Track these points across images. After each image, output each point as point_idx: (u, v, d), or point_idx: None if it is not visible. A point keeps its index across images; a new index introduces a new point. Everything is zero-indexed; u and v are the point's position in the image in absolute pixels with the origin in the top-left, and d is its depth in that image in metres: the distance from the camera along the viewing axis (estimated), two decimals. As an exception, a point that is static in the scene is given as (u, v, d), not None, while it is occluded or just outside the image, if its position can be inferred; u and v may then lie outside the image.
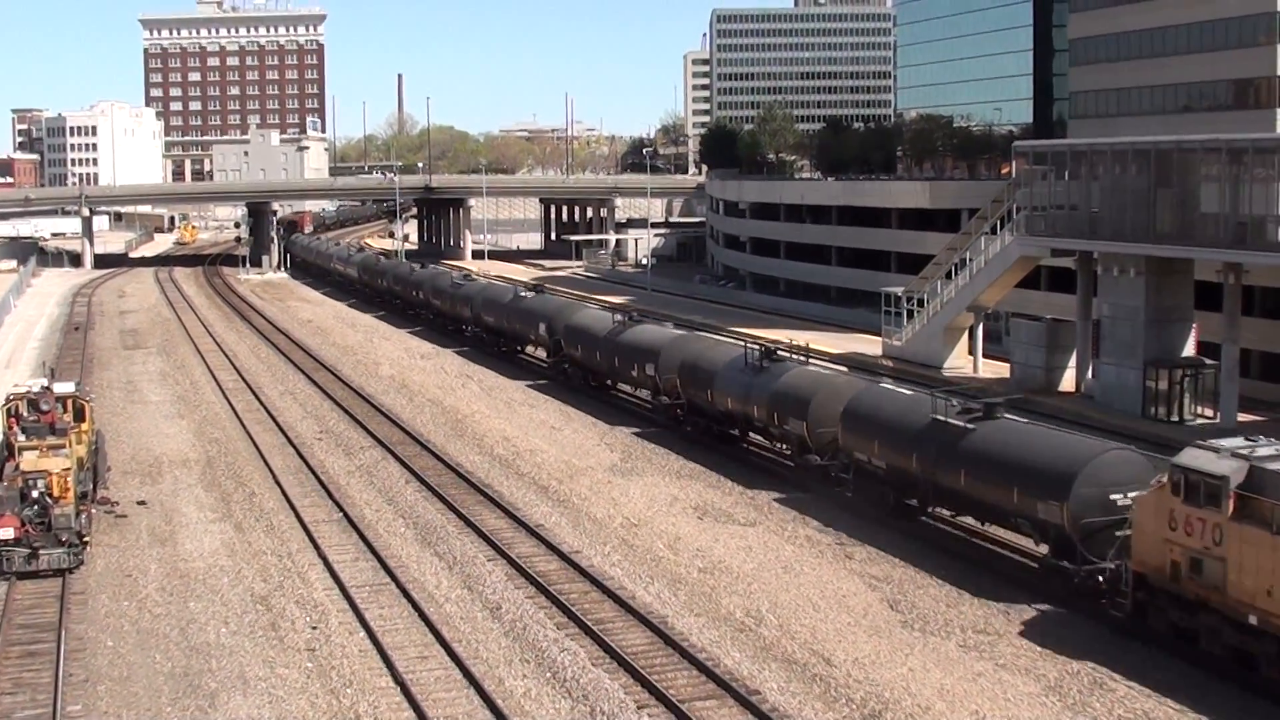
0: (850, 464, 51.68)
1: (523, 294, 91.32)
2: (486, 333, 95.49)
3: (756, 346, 61.51)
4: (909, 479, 48.18)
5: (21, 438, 47.46)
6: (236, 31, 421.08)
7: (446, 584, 43.77)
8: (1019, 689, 34.55)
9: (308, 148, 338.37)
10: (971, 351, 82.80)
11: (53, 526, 44.03)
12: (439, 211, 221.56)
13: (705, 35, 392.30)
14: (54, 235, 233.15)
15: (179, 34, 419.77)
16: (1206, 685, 34.71)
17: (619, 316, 75.66)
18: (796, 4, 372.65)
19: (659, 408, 68.27)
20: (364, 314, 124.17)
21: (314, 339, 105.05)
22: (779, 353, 60.14)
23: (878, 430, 49.83)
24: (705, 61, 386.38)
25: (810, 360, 59.95)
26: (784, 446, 58.89)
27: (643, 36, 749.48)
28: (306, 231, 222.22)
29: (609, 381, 76.80)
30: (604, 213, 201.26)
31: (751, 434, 62.23)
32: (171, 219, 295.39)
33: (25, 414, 49.59)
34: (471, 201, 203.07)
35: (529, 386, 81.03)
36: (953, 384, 56.24)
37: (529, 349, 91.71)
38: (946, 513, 48.94)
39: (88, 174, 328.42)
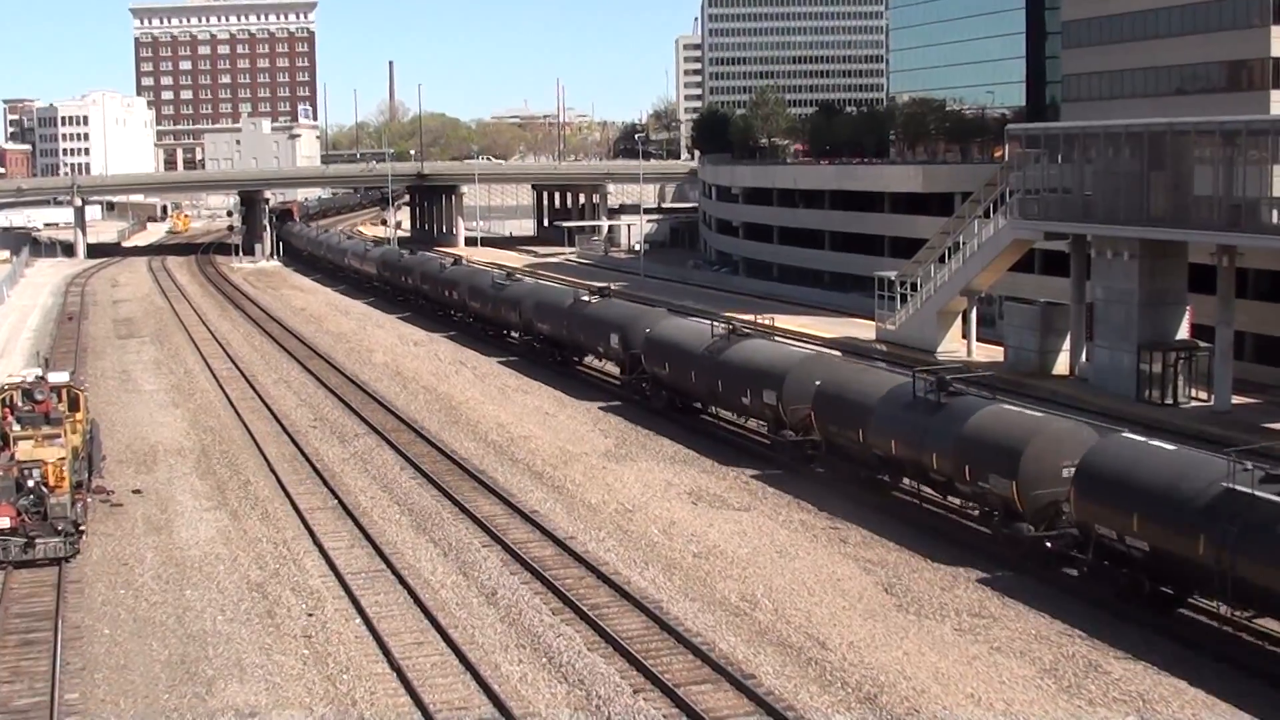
0: (1089, 541, 39.96)
1: (586, 298, 79.91)
2: (540, 342, 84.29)
3: (928, 374, 49.28)
4: (1186, 567, 36.85)
5: (16, 427, 47.37)
6: (227, 20, 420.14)
7: (442, 570, 43.80)
8: (1014, 672, 34.62)
9: (299, 136, 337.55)
10: (965, 335, 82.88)
11: (48, 516, 44.01)
12: (431, 198, 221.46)
13: (697, 19, 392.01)
14: (46, 225, 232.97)
15: (170, 23, 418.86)
16: (1202, 666, 34.79)
17: (720, 328, 64.47)
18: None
19: (780, 444, 56.75)
20: (357, 301, 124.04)
21: (307, 327, 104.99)
22: (955, 384, 48.70)
23: (1137, 499, 37.70)
24: (697, 46, 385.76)
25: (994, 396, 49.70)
26: (973, 507, 47.16)
27: (634, 21, 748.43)
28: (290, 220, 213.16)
29: (708, 408, 66.45)
30: (596, 199, 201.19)
31: (925, 485, 49.67)
32: (164, 208, 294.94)
33: (20, 404, 49.50)
34: (464, 188, 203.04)
35: (523, 374, 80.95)
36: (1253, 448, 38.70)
37: (591, 359, 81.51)
38: (1224, 609, 36.98)
39: (80, 164, 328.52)
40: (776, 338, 60.64)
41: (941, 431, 46.01)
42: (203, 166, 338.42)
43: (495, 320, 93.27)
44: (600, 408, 69.90)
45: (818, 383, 54.31)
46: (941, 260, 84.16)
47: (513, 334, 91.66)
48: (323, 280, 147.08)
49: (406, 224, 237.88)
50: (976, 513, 46.64)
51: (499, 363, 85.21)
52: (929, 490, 49.13)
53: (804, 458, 55.29)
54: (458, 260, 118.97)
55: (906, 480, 50.34)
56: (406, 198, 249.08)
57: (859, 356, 72.81)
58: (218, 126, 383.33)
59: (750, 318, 73.61)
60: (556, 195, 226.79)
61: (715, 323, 66.79)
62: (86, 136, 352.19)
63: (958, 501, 48.40)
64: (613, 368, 76.65)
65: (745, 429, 63.25)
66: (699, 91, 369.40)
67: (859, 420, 50.54)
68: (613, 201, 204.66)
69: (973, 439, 44.51)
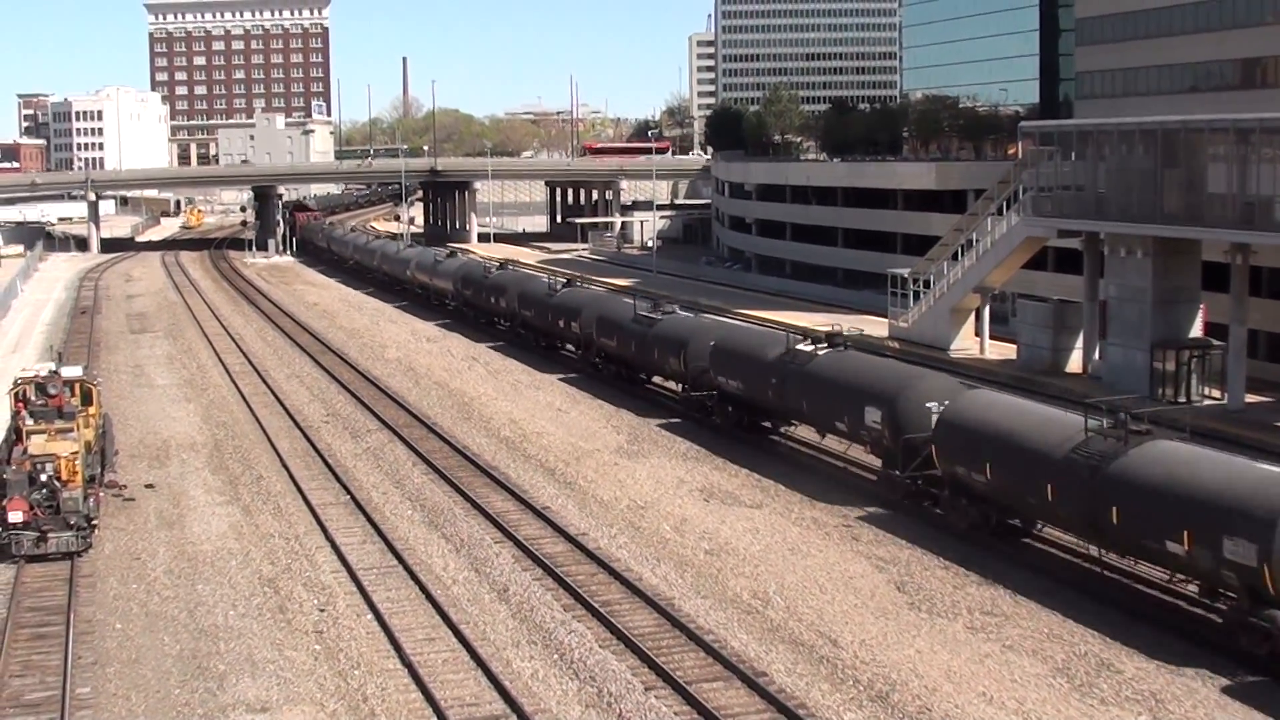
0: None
1: (651, 312, 70.51)
2: (601, 358, 76.60)
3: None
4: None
5: (29, 421, 47.54)
6: (241, 15, 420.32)
7: (454, 566, 43.82)
8: (1026, 670, 34.57)
9: (313, 131, 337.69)
10: (978, 333, 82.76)
11: (61, 510, 44.11)
12: (444, 194, 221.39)
13: (710, 16, 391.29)
14: (60, 220, 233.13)
15: (184, 18, 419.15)
16: (1216, 665, 34.69)
17: (805, 338, 57.28)
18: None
19: (890, 481, 49.76)
20: (370, 297, 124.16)
21: (320, 322, 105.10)
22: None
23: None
24: (710, 43, 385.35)
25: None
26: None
27: (647, 18, 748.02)
28: (320, 219, 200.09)
29: (780, 427, 61.08)
30: (609, 195, 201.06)
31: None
32: (177, 203, 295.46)
33: (33, 398, 49.66)
34: (477, 184, 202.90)
35: (535, 370, 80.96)
36: None
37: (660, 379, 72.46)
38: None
39: (94, 159, 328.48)
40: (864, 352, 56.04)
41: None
42: (216, 162, 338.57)
43: (548, 331, 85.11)
44: (612, 405, 69.82)
45: (935, 407, 48.25)
46: (954, 257, 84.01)
47: (567, 346, 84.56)
48: (336, 276, 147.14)
49: (420, 220, 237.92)
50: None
51: (509, 358, 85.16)
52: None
53: (916, 494, 49.08)
54: (503, 265, 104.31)
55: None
56: (420, 193, 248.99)
57: (871, 353, 71.59)
58: (232, 122, 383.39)
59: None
60: (570, 191, 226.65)
61: (792, 333, 58.66)
62: (101, 131, 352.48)
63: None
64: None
65: (831, 454, 57.76)
66: (712, 88, 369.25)
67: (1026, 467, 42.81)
68: (625, 198, 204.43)
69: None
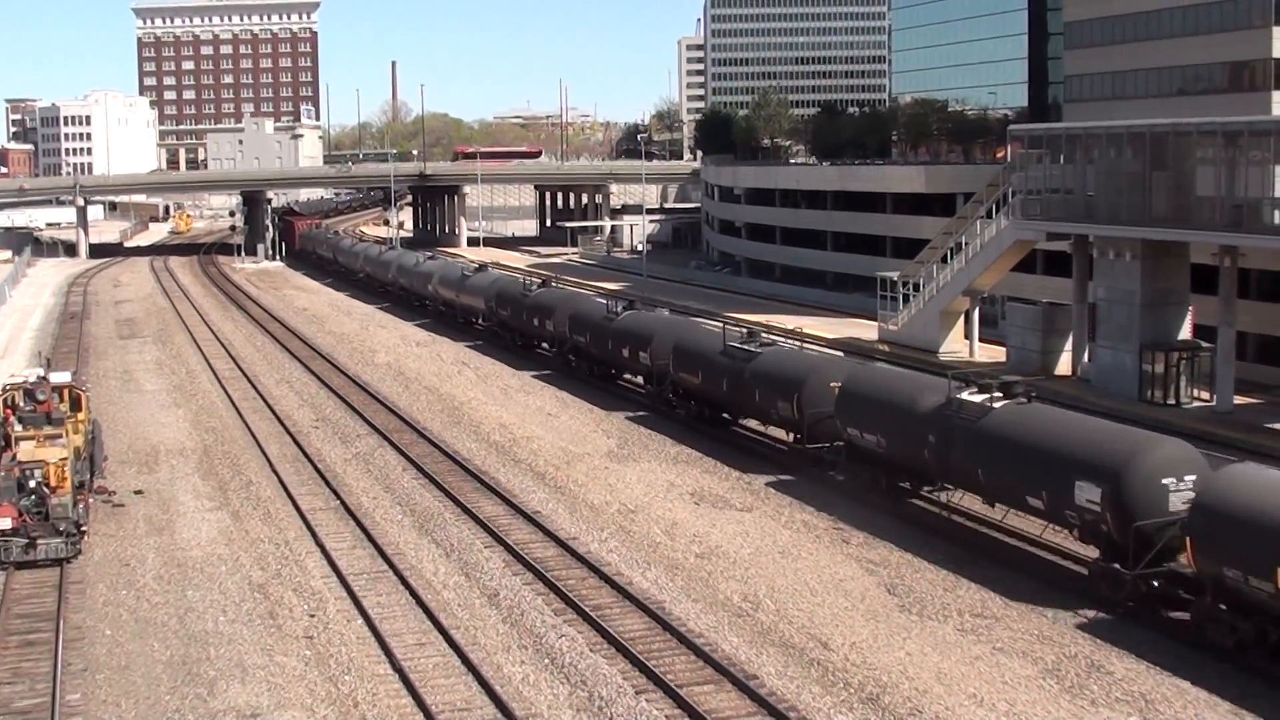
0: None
1: (746, 344, 60.28)
2: (677, 395, 65.74)
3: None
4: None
5: (18, 427, 47.37)
6: (230, 20, 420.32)
7: (444, 571, 43.78)
8: (1017, 672, 34.59)
9: (302, 135, 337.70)
10: (968, 336, 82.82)
11: (50, 516, 43.99)
12: (434, 199, 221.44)
13: (700, 20, 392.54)
14: (49, 225, 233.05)
15: (172, 22, 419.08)
16: (1205, 666, 34.75)
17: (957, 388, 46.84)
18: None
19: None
20: (360, 302, 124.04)
21: (310, 327, 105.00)
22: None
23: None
24: (700, 47, 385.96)
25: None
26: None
27: (637, 22, 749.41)
28: (322, 226, 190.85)
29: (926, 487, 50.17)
30: (599, 199, 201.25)
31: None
32: (166, 208, 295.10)
33: (22, 404, 49.50)
34: (466, 189, 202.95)
35: (525, 373, 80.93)
36: None
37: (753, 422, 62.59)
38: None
39: (82, 164, 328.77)
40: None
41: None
42: (205, 167, 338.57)
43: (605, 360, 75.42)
44: (603, 409, 69.81)
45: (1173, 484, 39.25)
46: (944, 261, 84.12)
47: (625, 376, 75.74)
48: (325, 281, 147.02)
49: (409, 224, 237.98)
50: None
51: (500, 363, 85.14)
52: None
53: (1150, 598, 38.73)
54: (545, 282, 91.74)
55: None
56: (409, 198, 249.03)
57: (861, 356, 71.32)
58: (220, 126, 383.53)
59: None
60: (559, 195, 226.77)
61: (953, 378, 47.66)
62: (89, 136, 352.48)
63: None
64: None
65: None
66: (701, 92, 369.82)
67: None
68: (615, 202, 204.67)
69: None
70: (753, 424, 61.58)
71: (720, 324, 65.55)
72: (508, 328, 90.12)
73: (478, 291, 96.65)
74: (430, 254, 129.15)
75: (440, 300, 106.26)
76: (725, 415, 63.23)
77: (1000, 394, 44.90)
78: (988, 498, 46.05)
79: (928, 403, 46.83)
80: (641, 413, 68.32)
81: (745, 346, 59.86)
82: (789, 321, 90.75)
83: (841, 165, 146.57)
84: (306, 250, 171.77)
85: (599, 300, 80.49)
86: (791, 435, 56.82)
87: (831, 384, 52.80)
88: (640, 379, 72.26)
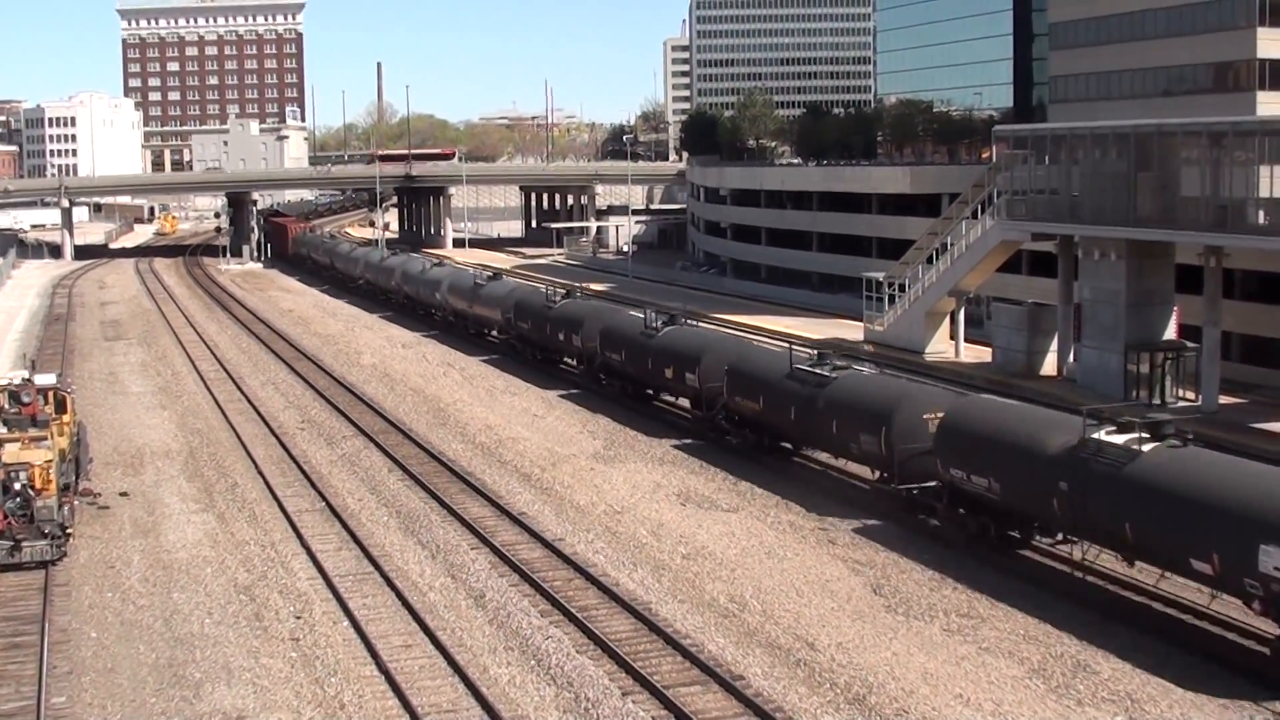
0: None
1: (818, 368, 53.58)
2: (732, 422, 59.11)
3: None
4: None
5: (3, 430, 47.20)
6: (215, 21, 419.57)
7: (430, 573, 43.74)
8: (1003, 672, 34.63)
9: (287, 137, 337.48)
10: (953, 336, 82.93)
11: (35, 519, 43.86)
12: (419, 200, 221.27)
13: (685, 21, 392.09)
14: (33, 227, 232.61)
15: (157, 24, 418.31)
16: (1190, 665, 34.81)
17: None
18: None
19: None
20: (345, 304, 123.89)
21: (295, 328, 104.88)
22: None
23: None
24: (685, 48, 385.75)
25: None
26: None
27: (622, 23, 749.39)
28: (316, 229, 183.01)
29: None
30: (585, 200, 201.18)
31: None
32: (151, 209, 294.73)
33: (6, 406, 49.33)
34: (452, 190, 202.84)
35: (511, 375, 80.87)
36: None
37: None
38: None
39: (67, 165, 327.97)
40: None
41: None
42: (190, 168, 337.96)
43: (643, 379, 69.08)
44: (589, 410, 69.77)
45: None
46: (929, 261, 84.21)
47: (664, 396, 69.32)
48: (310, 282, 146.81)
49: (395, 226, 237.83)
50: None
51: (485, 364, 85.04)
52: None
53: None
54: (570, 292, 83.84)
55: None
56: (394, 199, 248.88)
57: (848, 357, 70.72)
58: (205, 128, 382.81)
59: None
60: (545, 196, 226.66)
61: (1087, 416, 40.70)
62: (74, 138, 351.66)
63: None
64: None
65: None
66: (687, 93, 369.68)
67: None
68: (601, 203, 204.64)
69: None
70: (824, 457, 55.66)
71: (786, 344, 57.65)
72: (528, 342, 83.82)
73: (493, 302, 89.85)
74: (437, 260, 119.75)
75: (450, 310, 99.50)
76: (787, 445, 57.23)
77: (1147, 435, 38.73)
78: (1133, 557, 39.51)
79: (1056, 443, 40.40)
80: (628, 415, 68.25)
81: (817, 370, 53.09)
82: (777, 323, 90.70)
83: (827, 166, 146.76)
84: (300, 255, 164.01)
85: (634, 314, 73.50)
86: (876, 473, 50.28)
87: (926, 415, 46.86)
88: (685, 402, 65.80)
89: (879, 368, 56.10)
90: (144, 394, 77.57)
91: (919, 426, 46.70)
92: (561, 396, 73.42)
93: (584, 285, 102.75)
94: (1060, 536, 42.52)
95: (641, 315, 69.92)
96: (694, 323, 69.18)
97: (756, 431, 57.39)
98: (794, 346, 57.21)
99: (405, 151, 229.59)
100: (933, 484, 45.86)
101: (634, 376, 69.07)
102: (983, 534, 44.07)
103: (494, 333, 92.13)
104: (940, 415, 46.00)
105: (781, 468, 55.79)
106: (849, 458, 52.20)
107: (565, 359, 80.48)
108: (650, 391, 69.62)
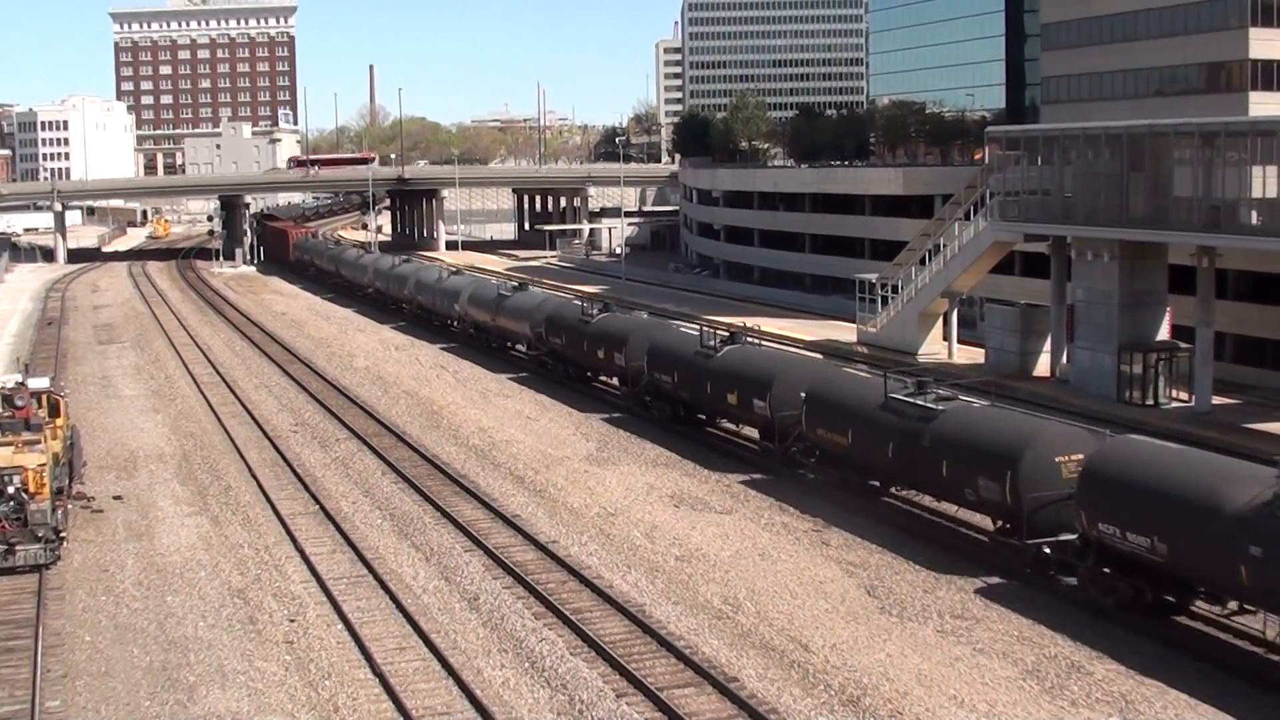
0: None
1: (915, 397, 47.37)
2: (818, 458, 52.43)
3: None
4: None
5: (-4, 434, 47.24)
6: (207, 24, 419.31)
7: (424, 575, 43.73)
8: (997, 673, 34.65)
9: (280, 140, 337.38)
10: (946, 337, 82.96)
11: (29, 522, 43.85)
12: (412, 203, 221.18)
13: (677, 23, 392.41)
14: (26, 231, 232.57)
15: (149, 27, 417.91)
16: (1184, 666, 34.83)
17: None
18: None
19: None
20: (338, 306, 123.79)
21: (288, 332, 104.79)
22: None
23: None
24: (677, 50, 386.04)
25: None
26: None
27: (614, 25, 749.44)
28: (318, 234, 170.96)
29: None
30: (577, 202, 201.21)
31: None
32: (144, 213, 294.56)
33: (0, 410, 49.37)
34: (444, 192, 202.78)
35: (504, 377, 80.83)
36: None
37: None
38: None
39: (60, 169, 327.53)
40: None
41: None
42: (183, 171, 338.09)
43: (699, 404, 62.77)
44: (581, 412, 69.74)
45: None
46: (922, 262, 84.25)
47: (722, 422, 63.27)
48: (303, 285, 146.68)
49: (387, 228, 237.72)
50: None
51: (479, 365, 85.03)
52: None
53: None
54: (608, 305, 76.98)
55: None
56: (387, 202, 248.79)
57: (840, 359, 70.48)
58: (198, 131, 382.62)
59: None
60: (537, 199, 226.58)
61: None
62: (66, 141, 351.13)
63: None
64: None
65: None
66: (679, 95, 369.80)
67: None
68: (594, 205, 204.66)
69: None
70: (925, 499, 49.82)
71: (880, 373, 50.32)
72: (561, 358, 77.10)
73: (520, 315, 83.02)
74: (455, 268, 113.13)
75: (471, 322, 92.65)
76: (874, 483, 50.90)
77: None
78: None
79: (1242, 498, 34.30)
80: (622, 416, 68.22)
81: (918, 401, 46.87)
82: (771, 324, 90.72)
83: (819, 167, 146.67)
84: (302, 261, 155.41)
85: (688, 330, 67.72)
86: (998, 521, 43.82)
87: (1059, 458, 40.99)
88: (754, 430, 59.33)
89: (990, 398, 49.43)
90: (137, 397, 77.50)
91: (1051, 471, 40.84)
92: (554, 400, 73.33)
93: (621, 298, 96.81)
94: (1236, 605, 36.44)
95: (696, 332, 63.98)
96: (757, 341, 63.15)
97: (843, 468, 50.87)
98: (889, 373, 49.78)
99: (328, 156, 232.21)
100: (1070, 538, 39.87)
101: (688, 401, 62.69)
102: (1137, 599, 37.85)
103: (520, 347, 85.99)
104: (1076, 458, 40.43)
105: (769, 466, 55.63)
106: (960, 504, 45.78)
107: (603, 378, 74.59)
108: (703, 416, 63.47)
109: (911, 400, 46.98)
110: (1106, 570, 38.50)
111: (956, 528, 47.42)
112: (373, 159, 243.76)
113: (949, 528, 47.64)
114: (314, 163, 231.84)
